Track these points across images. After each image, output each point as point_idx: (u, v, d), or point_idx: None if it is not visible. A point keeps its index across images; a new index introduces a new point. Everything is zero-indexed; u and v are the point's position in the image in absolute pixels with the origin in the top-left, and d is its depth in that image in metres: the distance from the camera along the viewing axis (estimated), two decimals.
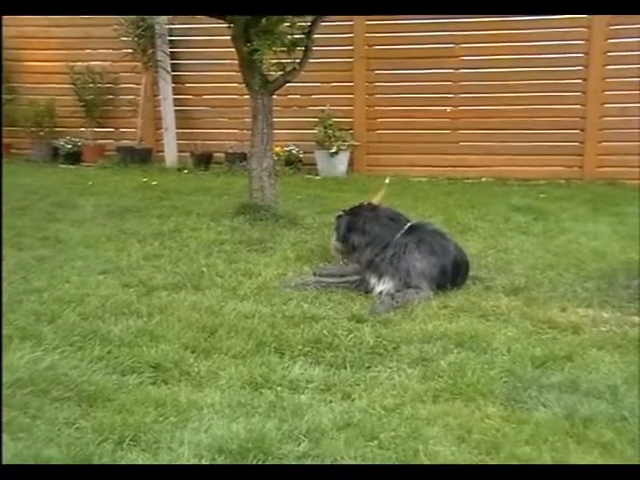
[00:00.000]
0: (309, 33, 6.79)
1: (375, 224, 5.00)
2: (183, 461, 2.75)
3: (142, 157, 10.68)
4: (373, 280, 4.85)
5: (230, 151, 10.39)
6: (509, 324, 4.24)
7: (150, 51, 10.55)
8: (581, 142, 9.86)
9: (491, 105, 10.10)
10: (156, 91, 10.95)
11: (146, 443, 2.89)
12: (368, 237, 4.96)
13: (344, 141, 10.05)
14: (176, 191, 8.43)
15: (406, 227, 5.00)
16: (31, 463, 2.69)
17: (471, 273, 5.11)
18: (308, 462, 2.76)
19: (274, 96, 7.07)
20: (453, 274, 4.93)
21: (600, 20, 9.51)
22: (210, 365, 3.64)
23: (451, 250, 5.00)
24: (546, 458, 2.81)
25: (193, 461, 2.75)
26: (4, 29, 10.42)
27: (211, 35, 9.90)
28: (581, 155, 9.85)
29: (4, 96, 10.86)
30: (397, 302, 4.57)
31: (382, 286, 4.80)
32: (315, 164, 10.21)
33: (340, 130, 10.06)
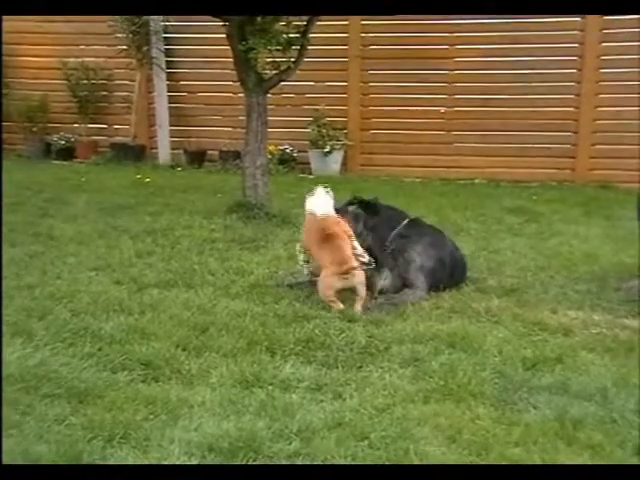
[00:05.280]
0: (304, 32, 6.78)
1: (376, 218, 5.01)
2: (173, 459, 2.75)
3: (135, 154, 10.66)
4: (375, 273, 4.83)
5: (224, 149, 10.39)
6: (500, 325, 4.25)
7: (145, 48, 10.53)
8: (574, 145, 9.89)
9: (485, 107, 10.13)
10: (150, 88, 10.93)
11: (136, 441, 2.88)
12: (372, 223, 4.97)
13: (338, 140, 10.06)
14: (169, 188, 8.42)
15: (405, 221, 5.03)
16: (30, 462, 2.68)
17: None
18: (299, 461, 2.76)
19: (268, 95, 7.07)
20: (451, 267, 4.97)
21: (594, 23, 9.54)
22: (201, 363, 3.63)
23: (448, 244, 5.08)
24: (536, 459, 2.81)
25: (183, 459, 2.75)
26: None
27: (206, 33, 9.91)
28: (574, 158, 9.88)
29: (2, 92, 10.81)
30: (392, 305, 4.56)
31: (382, 281, 4.81)
32: (309, 163, 10.22)
33: (334, 129, 10.08)
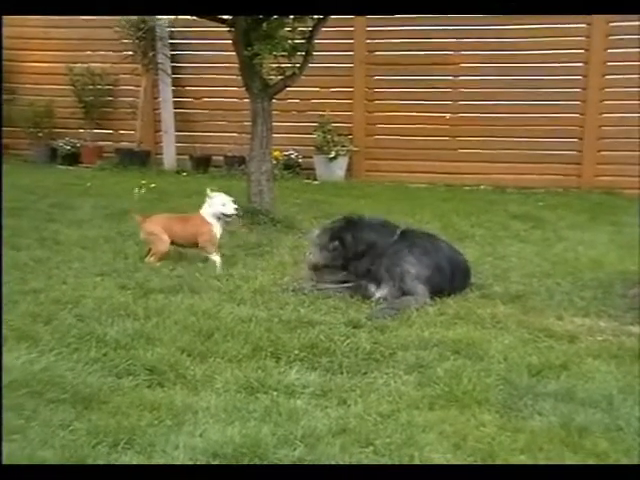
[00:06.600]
0: (310, 38, 6.79)
1: (368, 232, 5.04)
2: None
3: (141, 159, 10.68)
4: (372, 287, 4.88)
5: (229, 154, 10.40)
6: (506, 332, 4.24)
7: (151, 53, 10.56)
8: (579, 151, 9.88)
9: (490, 113, 10.12)
10: (156, 93, 10.96)
11: (141, 446, 2.88)
12: (363, 246, 4.98)
13: (343, 146, 10.06)
14: (174, 194, 8.42)
15: (398, 233, 5.04)
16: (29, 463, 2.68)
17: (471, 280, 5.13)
18: None
19: (274, 100, 7.08)
20: (451, 272, 4.97)
21: (599, 30, 9.55)
22: (206, 369, 3.63)
23: (443, 247, 5.10)
24: None
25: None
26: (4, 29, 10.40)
27: (212, 38, 9.92)
28: (579, 164, 9.87)
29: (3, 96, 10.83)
30: (395, 310, 4.57)
31: (380, 292, 4.82)
32: (314, 169, 10.22)
33: (339, 135, 10.09)
